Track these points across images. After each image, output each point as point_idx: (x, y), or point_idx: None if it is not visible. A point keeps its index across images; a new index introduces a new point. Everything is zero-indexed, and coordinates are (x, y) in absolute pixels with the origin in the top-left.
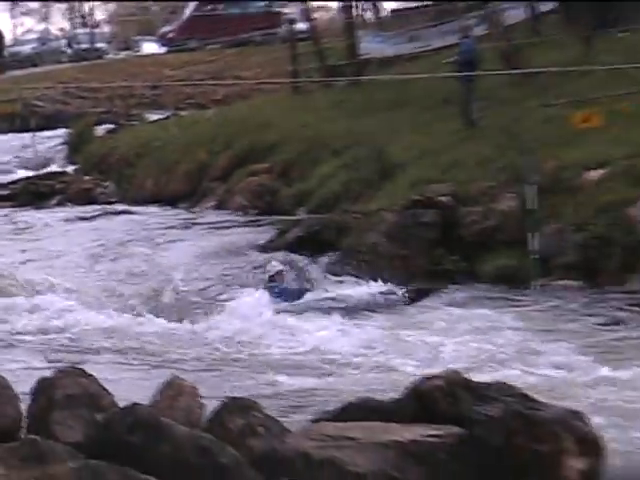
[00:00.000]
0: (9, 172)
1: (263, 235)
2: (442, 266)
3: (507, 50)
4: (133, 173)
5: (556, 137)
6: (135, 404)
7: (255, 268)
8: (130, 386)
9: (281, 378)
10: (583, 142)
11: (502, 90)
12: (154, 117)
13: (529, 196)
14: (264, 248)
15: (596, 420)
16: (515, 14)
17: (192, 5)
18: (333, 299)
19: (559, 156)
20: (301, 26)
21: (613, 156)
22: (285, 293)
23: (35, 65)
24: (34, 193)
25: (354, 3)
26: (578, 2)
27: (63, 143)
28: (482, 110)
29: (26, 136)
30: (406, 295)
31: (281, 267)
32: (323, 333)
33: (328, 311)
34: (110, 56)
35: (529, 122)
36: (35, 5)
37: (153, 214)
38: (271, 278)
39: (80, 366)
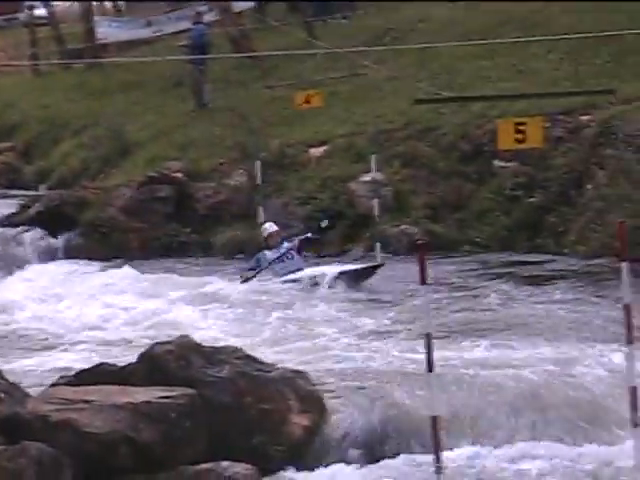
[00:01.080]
0: None
1: (5, 210)
2: (177, 238)
3: (235, 35)
4: None
5: (281, 117)
6: None
7: None
8: None
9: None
10: (306, 121)
11: (231, 73)
12: None
13: (257, 172)
14: (5, 223)
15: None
16: (242, 3)
17: None
18: None
19: (284, 134)
20: (41, 12)
21: (334, 134)
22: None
23: None
24: None
25: None
26: None
27: None
28: (213, 92)
29: None
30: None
31: (275, 228)
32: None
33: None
34: None
35: (256, 103)
36: None
37: None
38: (265, 240)
39: None
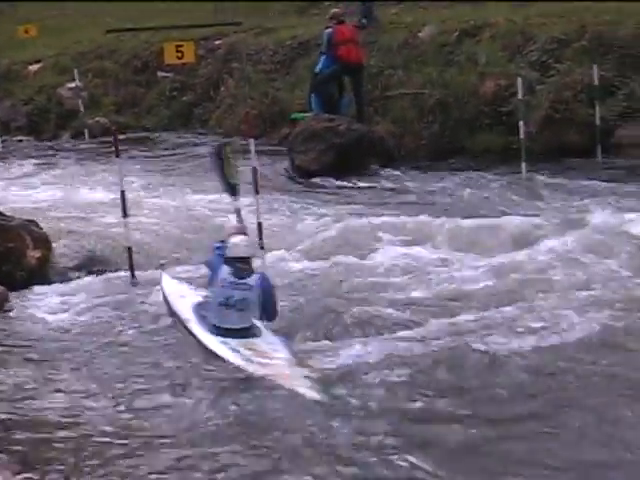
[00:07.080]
0: None
1: None
2: None
3: None
4: None
5: (7, 43)
6: None
7: None
8: None
9: None
10: (26, 47)
11: None
12: None
13: None
14: None
15: None
16: None
17: None
18: None
19: (11, 56)
20: None
21: (46, 55)
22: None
23: None
24: None
25: None
26: None
27: None
28: None
29: None
30: None
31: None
32: None
33: None
34: None
35: None
36: None
37: None
38: None
39: None
